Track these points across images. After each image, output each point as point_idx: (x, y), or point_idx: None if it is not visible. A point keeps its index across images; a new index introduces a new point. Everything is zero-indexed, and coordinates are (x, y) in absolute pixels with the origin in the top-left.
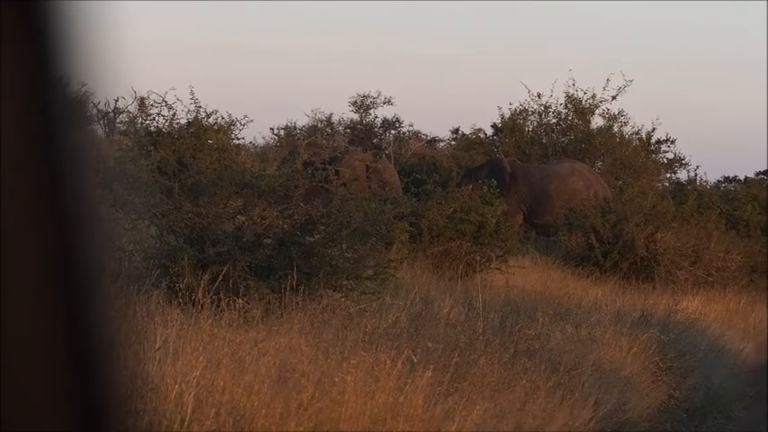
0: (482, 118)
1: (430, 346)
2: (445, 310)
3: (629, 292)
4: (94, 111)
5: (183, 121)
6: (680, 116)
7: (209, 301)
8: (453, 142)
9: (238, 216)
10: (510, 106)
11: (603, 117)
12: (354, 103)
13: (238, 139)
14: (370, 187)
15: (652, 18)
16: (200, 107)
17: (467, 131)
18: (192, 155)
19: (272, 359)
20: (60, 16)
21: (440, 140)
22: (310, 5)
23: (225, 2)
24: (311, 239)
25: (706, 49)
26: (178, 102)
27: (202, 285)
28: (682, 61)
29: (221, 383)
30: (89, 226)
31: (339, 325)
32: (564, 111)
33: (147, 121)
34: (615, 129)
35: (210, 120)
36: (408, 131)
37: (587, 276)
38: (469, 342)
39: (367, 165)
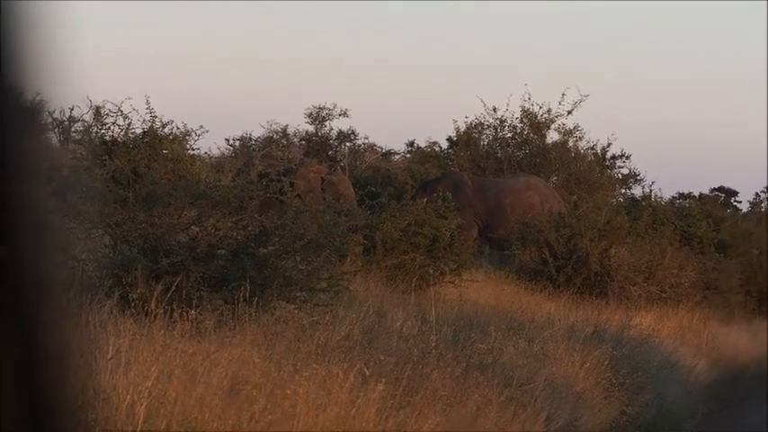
0: (437, 131)
1: (382, 359)
2: (398, 324)
3: (583, 308)
4: (49, 119)
5: (139, 131)
6: (635, 131)
7: (162, 311)
8: (408, 155)
9: (192, 227)
10: (465, 120)
11: (559, 132)
12: (310, 115)
13: (193, 149)
14: (324, 199)
15: (609, 32)
16: (155, 117)
17: (422, 144)
18: (146, 165)
19: (224, 371)
20: (14, 25)
21: (395, 153)
22: (268, 17)
23: (183, 12)
24: (265, 251)
25: (663, 64)
26: (134, 111)
27: (155, 296)
28: (638, 76)
29: (173, 394)
30: (42, 235)
31: (292, 337)
32: (519, 125)
33: (103, 131)
34: (570, 143)
35: (166, 130)
36: (363, 144)
37: (541, 291)
38: (422, 355)
39: (322, 177)
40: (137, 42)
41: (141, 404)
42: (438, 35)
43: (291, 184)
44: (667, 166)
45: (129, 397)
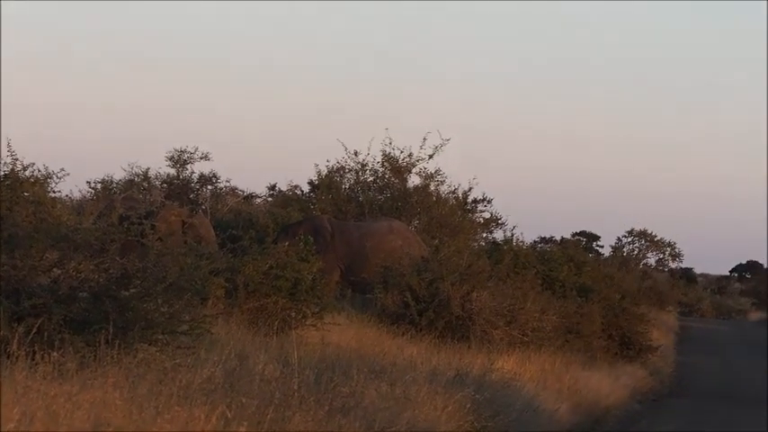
0: (299, 175)
1: (244, 401)
2: (260, 366)
3: (445, 351)
4: None
5: (0, 174)
6: (496, 175)
7: (23, 353)
8: (270, 198)
9: (54, 269)
10: (327, 163)
11: (420, 176)
12: (171, 158)
13: (55, 192)
14: (186, 242)
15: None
16: (16, 159)
17: (283, 188)
18: (8, 207)
19: (86, 413)
20: None
21: (256, 196)
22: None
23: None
24: (127, 293)
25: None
26: None
27: (17, 338)
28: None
29: None
30: None
31: (154, 379)
32: (381, 169)
33: None
34: (432, 187)
35: (27, 172)
36: (225, 187)
37: (403, 334)
38: (284, 398)
39: (183, 220)
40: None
41: None
42: (298, 78)
43: (153, 227)
44: (529, 210)
45: None
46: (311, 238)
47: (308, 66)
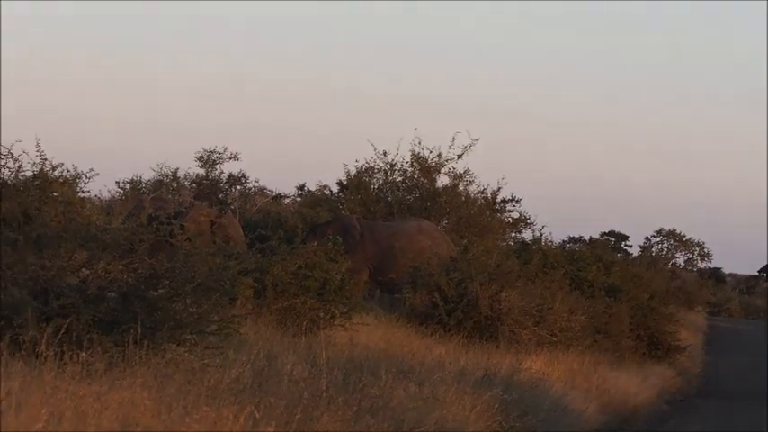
0: (328, 175)
1: (273, 401)
2: (288, 366)
3: (473, 351)
4: None
5: (29, 174)
6: (526, 175)
7: (52, 353)
8: (299, 198)
9: (83, 269)
10: (356, 164)
11: (449, 176)
12: (200, 159)
13: (84, 192)
14: (214, 242)
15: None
16: (45, 160)
17: (312, 188)
18: (37, 207)
19: (114, 413)
20: None
21: (285, 197)
22: (159, 57)
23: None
24: (155, 293)
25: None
26: (24, 154)
27: (46, 338)
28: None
29: None
30: None
31: (182, 379)
32: (410, 169)
33: None
34: (461, 187)
35: (56, 173)
36: (254, 187)
37: (431, 334)
38: (312, 398)
39: (211, 220)
40: (28, 84)
41: None
42: (331, 78)
43: (182, 227)
44: (558, 210)
45: None
46: (340, 238)
47: (336, 65)
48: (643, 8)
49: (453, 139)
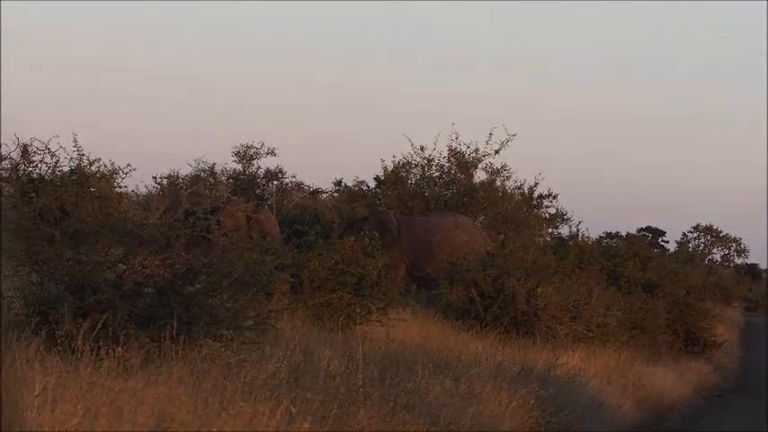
0: (365, 170)
1: (309, 396)
2: (325, 362)
3: (510, 347)
4: None
5: (66, 169)
6: (563, 171)
7: (88, 348)
8: (336, 194)
9: (119, 264)
10: (393, 159)
11: (486, 171)
12: (237, 154)
13: (121, 187)
14: (251, 237)
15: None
16: (82, 155)
17: (349, 183)
18: (74, 202)
19: (150, 408)
20: None
21: (322, 192)
22: (194, 54)
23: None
24: (192, 289)
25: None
26: (61, 149)
27: (82, 333)
28: (565, 117)
29: None
30: None
31: (218, 375)
32: (447, 164)
33: (30, 168)
34: (498, 183)
35: (93, 168)
36: (291, 182)
37: (468, 330)
38: (349, 394)
39: (248, 215)
40: (64, 80)
41: None
42: (364, 74)
43: (218, 222)
44: (595, 205)
45: None
46: (377, 234)
47: (372, 62)
48: None
49: (490, 134)
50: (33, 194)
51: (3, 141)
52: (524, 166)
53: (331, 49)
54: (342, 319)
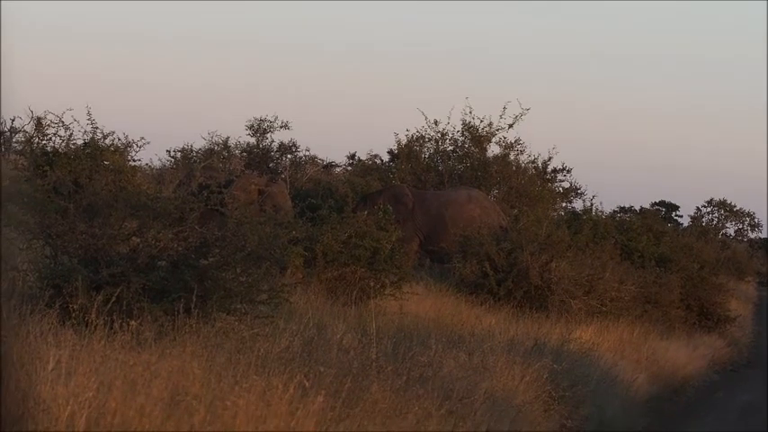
0: (379, 144)
1: (322, 371)
2: (338, 336)
3: (523, 321)
4: None
5: (80, 142)
6: (577, 146)
7: (102, 322)
8: (349, 168)
9: (133, 238)
10: (407, 133)
11: (500, 145)
12: (251, 127)
13: (134, 160)
14: (263, 211)
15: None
16: (96, 128)
17: (363, 157)
18: (87, 176)
19: (164, 382)
20: None
21: (336, 166)
22: (208, 28)
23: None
24: (205, 262)
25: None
26: (75, 122)
27: (96, 306)
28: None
29: (113, 405)
30: None
31: (232, 348)
32: (460, 138)
33: (44, 142)
34: (511, 157)
35: (107, 141)
36: (305, 156)
37: (481, 304)
38: (362, 368)
39: (260, 189)
40: (79, 52)
41: (81, 415)
42: (379, 48)
43: (232, 196)
44: (609, 179)
45: (69, 407)
46: (391, 208)
47: (385, 37)
48: None
49: (504, 108)
50: (47, 167)
51: (17, 115)
52: (539, 140)
53: (346, 18)
54: (355, 293)
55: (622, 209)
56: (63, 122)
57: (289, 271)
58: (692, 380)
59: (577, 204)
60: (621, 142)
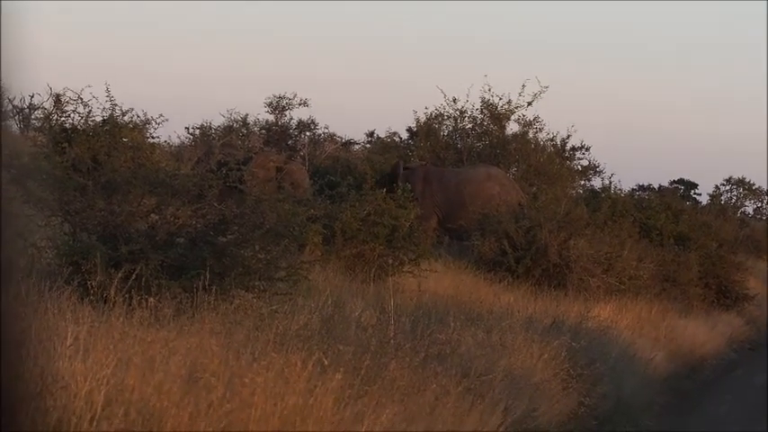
0: (397, 122)
1: (341, 348)
2: (357, 313)
3: (542, 299)
4: (9, 106)
5: (99, 119)
6: (596, 123)
7: (120, 299)
8: (368, 145)
9: (152, 215)
10: (426, 110)
11: (519, 123)
12: (270, 104)
13: (153, 137)
14: (281, 188)
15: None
16: (115, 105)
17: (382, 135)
18: (106, 153)
19: (182, 359)
20: None
21: (355, 143)
22: (225, 5)
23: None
24: (224, 239)
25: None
26: (94, 99)
27: (114, 283)
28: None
29: (131, 382)
30: (1, 222)
31: (250, 326)
32: (479, 116)
33: (63, 118)
34: (530, 135)
35: (126, 118)
36: (324, 134)
37: (499, 282)
38: (380, 345)
39: (278, 166)
40: (96, 29)
41: (100, 391)
42: (401, 24)
43: (251, 173)
44: (627, 158)
45: (87, 384)
46: (409, 185)
47: (407, 11)
48: None
49: (523, 86)
50: (66, 144)
51: (36, 91)
52: (558, 116)
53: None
54: (374, 270)
55: (641, 187)
56: (82, 99)
57: (307, 248)
58: (710, 358)
59: (596, 182)
60: (640, 119)
